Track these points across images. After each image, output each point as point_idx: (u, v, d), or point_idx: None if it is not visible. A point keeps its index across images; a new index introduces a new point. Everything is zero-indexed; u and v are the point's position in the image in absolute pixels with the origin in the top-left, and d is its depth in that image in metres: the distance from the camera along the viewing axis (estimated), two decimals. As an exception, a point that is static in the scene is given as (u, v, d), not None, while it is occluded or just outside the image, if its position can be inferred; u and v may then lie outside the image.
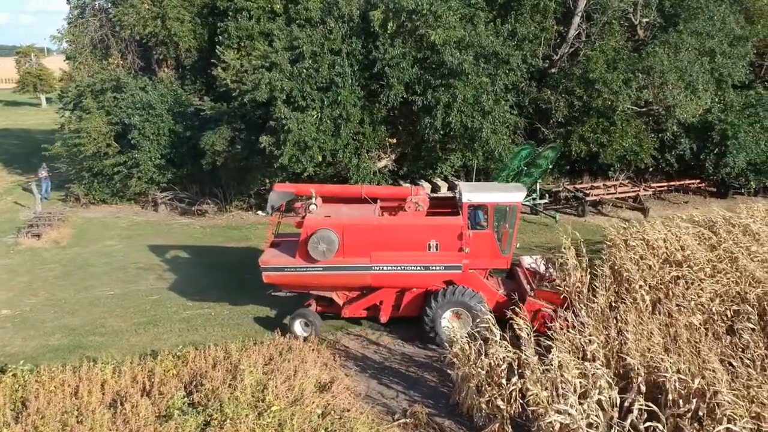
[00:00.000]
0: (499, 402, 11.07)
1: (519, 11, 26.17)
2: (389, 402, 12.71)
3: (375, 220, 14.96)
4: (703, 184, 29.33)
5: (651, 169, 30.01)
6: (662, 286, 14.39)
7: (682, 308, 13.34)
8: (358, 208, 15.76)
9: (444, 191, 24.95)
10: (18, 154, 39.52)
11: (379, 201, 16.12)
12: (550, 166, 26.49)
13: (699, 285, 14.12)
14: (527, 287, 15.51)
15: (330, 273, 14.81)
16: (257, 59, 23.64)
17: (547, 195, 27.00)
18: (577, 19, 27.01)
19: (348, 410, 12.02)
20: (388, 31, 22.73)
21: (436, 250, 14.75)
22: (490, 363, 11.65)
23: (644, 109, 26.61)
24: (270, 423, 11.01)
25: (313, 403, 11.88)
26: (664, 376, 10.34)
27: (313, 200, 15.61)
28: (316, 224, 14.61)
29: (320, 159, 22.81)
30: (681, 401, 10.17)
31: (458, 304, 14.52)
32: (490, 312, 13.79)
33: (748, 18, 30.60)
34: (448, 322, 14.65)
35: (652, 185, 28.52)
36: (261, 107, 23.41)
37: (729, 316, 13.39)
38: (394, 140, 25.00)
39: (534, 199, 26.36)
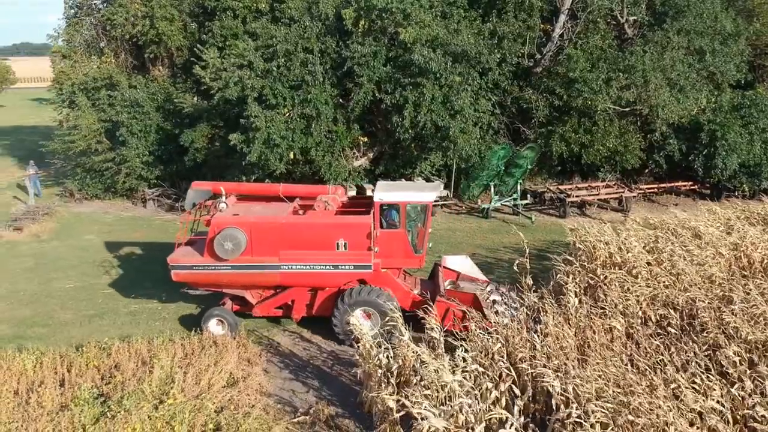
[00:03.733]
0: (389, 401, 10.98)
1: (503, 9, 25.84)
2: (297, 399, 12.73)
3: (283, 218, 14.97)
4: (696, 186, 28.56)
5: (646, 171, 29.41)
6: (590, 289, 14.11)
7: (606, 311, 13.07)
8: (272, 207, 15.85)
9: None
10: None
11: (297, 199, 16.24)
12: (530, 167, 26.14)
13: (629, 288, 13.80)
14: (440, 287, 15.34)
15: (239, 272, 14.85)
16: (235, 57, 23.90)
17: (528, 195, 26.62)
18: (563, 18, 26.50)
19: (252, 406, 12.10)
20: (360, 30, 22.73)
21: (345, 249, 14.70)
22: (387, 362, 11.60)
23: (628, 110, 25.96)
24: (162, 416, 11.13)
25: (216, 397, 12.00)
26: (546, 382, 10.16)
27: (223, 198, 15.75)
28: (223, 222, 14.68)
29: (291, 157, 22.89)
30: (561, 406, 9.99)
31: (366, 304, 14.34)
32: (403, 311, 13.69)
33: (746, 15, 29.64)
34: (356, 321, 14.12)
35: (641, 187, 27.87)
36: (237, 105, 23.62)
37: (655, 320, 13.09)
38: (365, 139, 24.92)
39: (515, 199, 26.05)
